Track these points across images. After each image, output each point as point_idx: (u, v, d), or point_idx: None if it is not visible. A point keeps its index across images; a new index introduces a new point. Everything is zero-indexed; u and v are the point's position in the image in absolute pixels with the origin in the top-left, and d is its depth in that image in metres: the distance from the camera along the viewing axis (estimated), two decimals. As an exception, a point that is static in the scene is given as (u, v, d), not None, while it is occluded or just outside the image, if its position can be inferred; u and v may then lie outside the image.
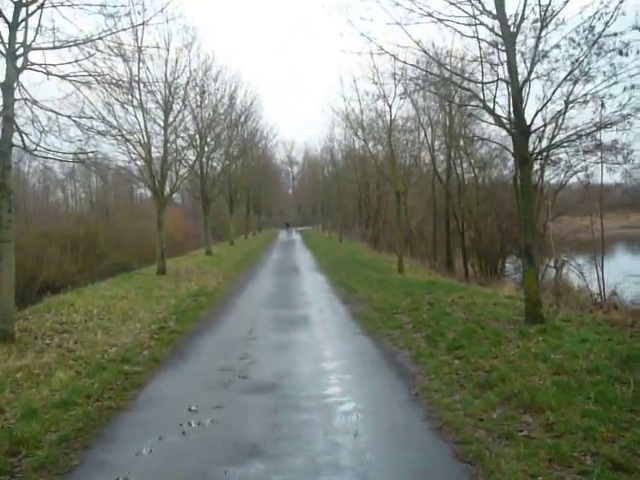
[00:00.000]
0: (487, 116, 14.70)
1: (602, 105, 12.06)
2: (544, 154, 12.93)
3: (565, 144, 13.16)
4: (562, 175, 27.37)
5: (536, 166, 29.51)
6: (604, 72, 11.56)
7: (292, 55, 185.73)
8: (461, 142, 31.79)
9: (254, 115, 49.57)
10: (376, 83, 24.88)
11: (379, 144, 30.18)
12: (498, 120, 12.97)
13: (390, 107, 26.35)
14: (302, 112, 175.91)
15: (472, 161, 31.56)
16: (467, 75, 12.64)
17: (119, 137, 24.02)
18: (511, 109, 12.49)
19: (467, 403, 7.33)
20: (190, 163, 32.11)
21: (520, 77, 12.30)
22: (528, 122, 12.28)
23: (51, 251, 44.01)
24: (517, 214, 29.69)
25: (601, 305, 15.23)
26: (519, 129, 12.16)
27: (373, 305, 15.96)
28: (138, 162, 25.77)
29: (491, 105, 12.61)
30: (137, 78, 24.08)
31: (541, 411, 6.78)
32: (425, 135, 29.69)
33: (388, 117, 26.63)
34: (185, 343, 11.65)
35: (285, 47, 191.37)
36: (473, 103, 13.20)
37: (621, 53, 11.26)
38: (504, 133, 17.99)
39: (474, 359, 9.23)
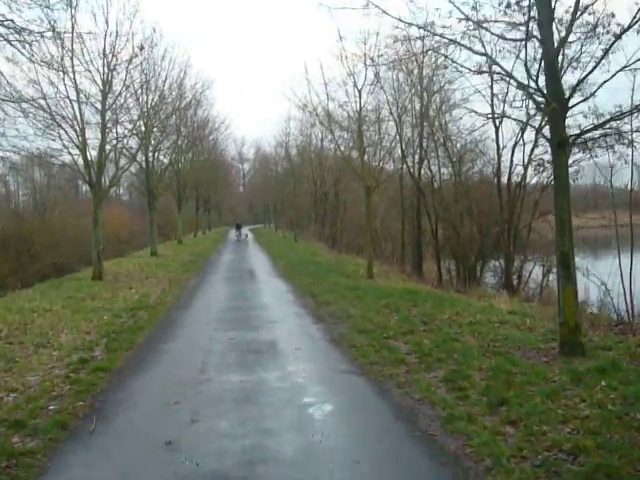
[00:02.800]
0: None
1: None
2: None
3: (612, 123, 10.25)
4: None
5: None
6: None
7: (243, 46, 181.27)
8: (436, 132, 28.95)
9: (205, 104, 45.80)
10: (343, 59, 22.12)
11: (345, 132, 27.10)
12: (525, 91, 10.03)
13: (360, 92, 23.52)
14: (253, 109, 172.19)
15: (452, 151, 28.58)
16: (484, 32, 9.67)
17: (48, 120, 20.80)
18: (536, 80, 9.67)
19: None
20: (133, 153, 28.57)
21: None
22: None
23: (-22, 250, 39.82)
24: (499, 215, 27.48)
25: (631, 325, 12.44)
26: (555, 102, 9.24)
27: (354, 324, 12.93)
28: (71, 150, 22.28)
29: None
30: (70, 53, 20.67)
31: None
32: (397, 124, 26.72)
33: (357, 105, 23.78)
34: (111, 390, 8.35)
35: (236, 34, 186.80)
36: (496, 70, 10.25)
37: None
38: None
39: (536, 426, 6.28)
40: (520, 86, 10.10)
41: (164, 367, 9.79)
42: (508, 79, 11.06)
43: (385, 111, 26.73)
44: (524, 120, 21.15)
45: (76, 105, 21.37)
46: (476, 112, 18.51)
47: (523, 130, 25.98)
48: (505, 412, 6.89)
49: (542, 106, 9.83)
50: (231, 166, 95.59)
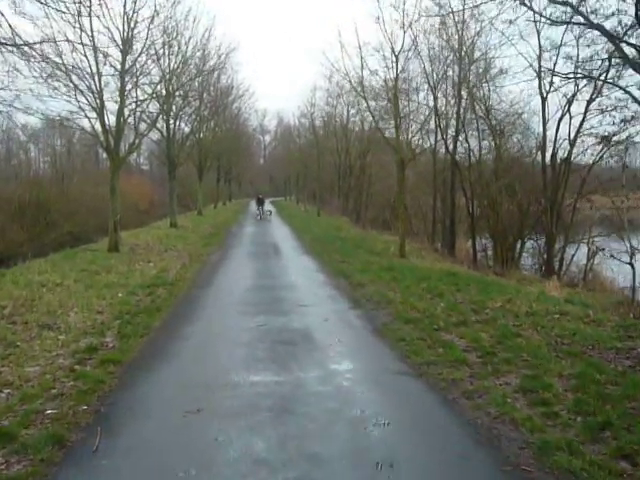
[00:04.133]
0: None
1: None
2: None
3: None
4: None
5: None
6: None
7: (267, 12, 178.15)
8: (476, 103, 27.12)
9: (229, 69, 43.59)
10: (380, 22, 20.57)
11: (378, 101, 25.41)
12: (614, 43, 8.44)
13: (397, 57, 21.87)
14: (276, 81, 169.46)
15: (492, 123, 26.72)
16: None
17: (63, 79, 19.35)
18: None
19: None
20: (152, 119, 27.08)
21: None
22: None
23: (-6, 217, 38.81)
24: (543, 193, 25.88)
25: None
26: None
27: (397, 312, 11.47)
28: (88, 113, 20.83)
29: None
30: (89, 7, 19.12)
31: None
32: (433, 93, 25.09)
33: (393, 71, 22.16)
34: (120, 391, 6.98)
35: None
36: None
37: None
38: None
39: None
40: (610, 38, 8.47)
41: (184, 361, 8.38)
42: (590, 30, 9.43)
43: (420, 79, 25.10)
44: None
45: (93, 63, 19.90)
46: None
47: (570, 102, 24.28)
48: (611, 439, 5.47)
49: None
50: (253, 137, 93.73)
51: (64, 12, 16.81)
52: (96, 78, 20.09)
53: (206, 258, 20.88)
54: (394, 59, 21.83)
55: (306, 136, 60.72)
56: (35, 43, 11.59)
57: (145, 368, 7.86)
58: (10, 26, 9.88)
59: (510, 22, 10.77)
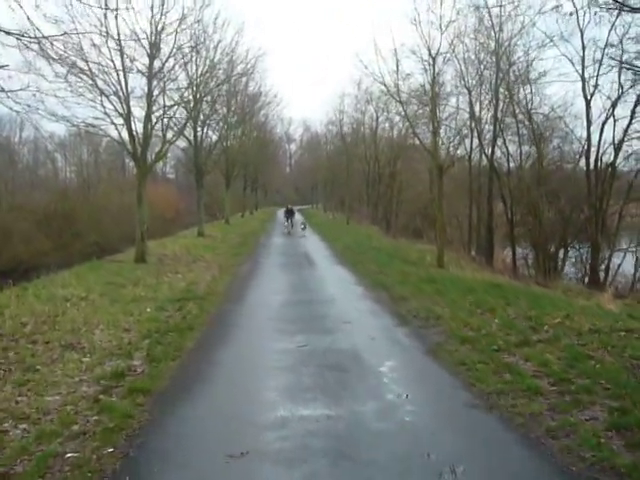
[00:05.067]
0: None
1: None
2: None
3: None
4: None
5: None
6: None
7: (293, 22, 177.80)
8: (515, 106, 25.99)
9: (257, 76, 42.58)
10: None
11: (414, 105, 24.50)
12: None
13: (434, 59, 20.98)
14: (300, 90, 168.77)
15: (533, 128, 25.49)
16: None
17: (88, 84, 18.72)
18: None
19: None
20: (180, 126, 26.37)
21: None
22: None
23: (21, 226, 38.41)
24: (587, 199, 24.72)
25: None
26: None
27: (449, 330, 10.48)
28: (115, 120, 20.14)
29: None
30: (116, 11, 18.45)
31: None
32: (469, 96, 24.10)
33: (429, 75, 21.29)
34: (152, 428, 6.06)
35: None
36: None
37: None
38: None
39: None
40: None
41: (221, 390, 7.44)
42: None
43: (455, 83, 24.25)
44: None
45: (120, 70, 19.20)
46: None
47: (614, 105, 23.15)
48: None
49: None
50: (279, 145, 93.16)
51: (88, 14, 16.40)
52: (122, 83, 19.42)
53: (236, 269, 20.03)
54: (431, 61, 20.98)
55: (334, 143, 60.00)
56: (55, 36, 10.75)
57: (179, 399, 6.94)
58: (28, 18, 9.06)
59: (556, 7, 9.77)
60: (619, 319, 11.28)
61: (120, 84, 19.43)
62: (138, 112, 20.80)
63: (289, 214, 39.89)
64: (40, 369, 8.01)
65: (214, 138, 37.88)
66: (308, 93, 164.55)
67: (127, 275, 16.97)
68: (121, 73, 19.35)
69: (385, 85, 22.65)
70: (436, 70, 21.18)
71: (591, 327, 10.32)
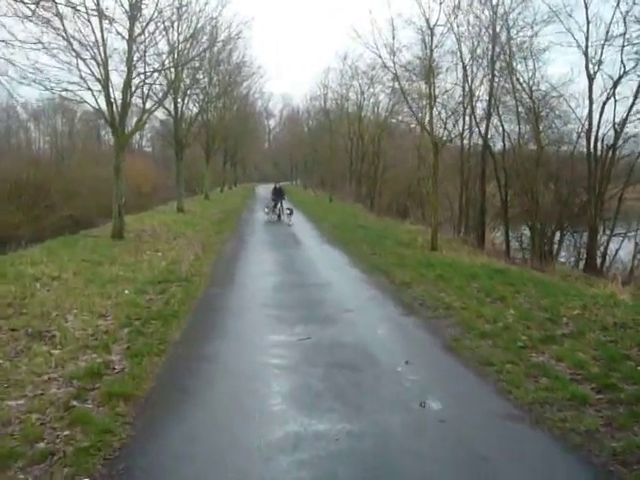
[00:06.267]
0: None
1: None
2: None
3: None
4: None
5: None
6: None
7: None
8: (514, 82, 24.91)
9: (240, 46, 40.80)
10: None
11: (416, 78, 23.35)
12: None
13: (432, 30, 19.86)
14: (280, 63, 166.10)
15: (532, 106, 24.37)
16: None
17: (64, 46, 17.36)
18: None
19: None
20: (160, 96, 24.95)
21: None
22: None
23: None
24: (588, 182, 23.83)
25: None
26: None
27: (462, 321, 9.44)
28: (92, 85, 18.71)
29: None
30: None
31: None
32: (465, 71, 23.03)
33: (427, 47, 20.20)
34: (135, 448, 4.94)
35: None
36: None
37: None
38: None
39: None
40: None
41: (218, 397, 6.24)
42: None
43: (451, 58, 23.22)
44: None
45: (98, 30, 17.79)
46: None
47: (616, 84, 22.21)
48: None
49: None
50: (259, 120, 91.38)
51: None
52: (100, 47, 18.01)
53: (220, 247, 18.87)
54: (429, 32, 19.85)
55: (317, 118, 58.73)
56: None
57: (167, 410, 5.76)
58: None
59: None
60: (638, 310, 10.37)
61: (98, 47, 18.04)
62: (116, 79, 19.44)
63: (277, 195, 30.23)
64: (2, 364, 6.87)
65: (194, 110, 36.53)
66: (290, 67, 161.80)
67: (103, 252, 15.74)
68: (99, 33, 17.95)
69: (380, 57, 21.40)
70: (434, 42, 20.04)
71: (615, 321, 9.40)
